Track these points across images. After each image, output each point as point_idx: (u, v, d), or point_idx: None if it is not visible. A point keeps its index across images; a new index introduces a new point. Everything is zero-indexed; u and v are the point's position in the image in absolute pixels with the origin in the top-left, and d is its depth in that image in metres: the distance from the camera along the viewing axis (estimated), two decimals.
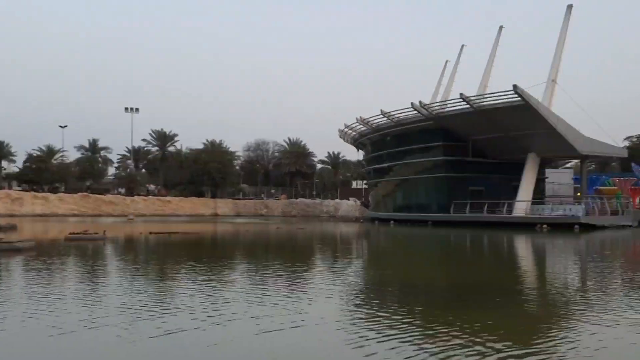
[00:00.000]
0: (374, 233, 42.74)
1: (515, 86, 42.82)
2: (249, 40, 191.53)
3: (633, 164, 60.11)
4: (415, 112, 50.88)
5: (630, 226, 44.96)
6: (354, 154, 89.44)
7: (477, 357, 6.98)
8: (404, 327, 8.63)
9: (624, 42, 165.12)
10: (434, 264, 21.11)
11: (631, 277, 16.19)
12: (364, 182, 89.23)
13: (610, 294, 12.74)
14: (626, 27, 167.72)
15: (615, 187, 54.28)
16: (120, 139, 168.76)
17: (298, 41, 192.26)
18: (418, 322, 9.17)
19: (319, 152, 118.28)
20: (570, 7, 53.62)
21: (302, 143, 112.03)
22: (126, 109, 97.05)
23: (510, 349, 7.36)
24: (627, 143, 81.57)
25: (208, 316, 9.29)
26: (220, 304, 10.43)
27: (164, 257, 21.11)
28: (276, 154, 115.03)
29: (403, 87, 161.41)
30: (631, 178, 55.01)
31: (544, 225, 42.33)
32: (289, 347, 7.59)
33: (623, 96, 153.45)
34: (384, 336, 8.00)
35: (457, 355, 7.09)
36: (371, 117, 57.18)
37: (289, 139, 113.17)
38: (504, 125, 46.75)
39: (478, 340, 7.85)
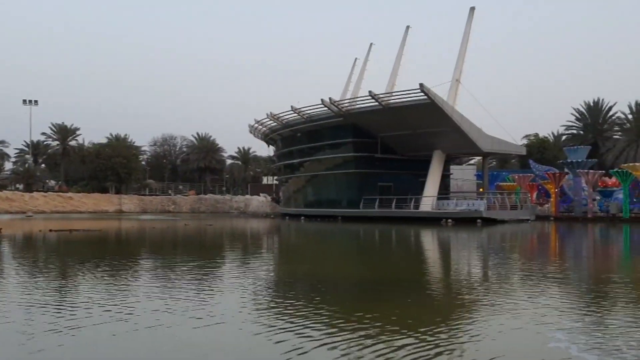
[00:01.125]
0: (285, 229, 42.61)
1: (421, 85, 43.90)
2: (152, 31, 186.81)
3: (531, 161, 63.24)
4: (326, 108, 51.22)
5: (528, 220, 47.18)
6: (264, 150, 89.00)
7: (379, 347, 7.06)
8: (308, 323, 8.55)
9: (525, 44, 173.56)
10: (343, 258, 21.16)
11: (527, 268, 16.89)
12: (275, 177, 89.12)
13: (508, 284, 13.23)
14: (526, 30, 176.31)
15: (515, 183, 56.87)
16: (18, 133, 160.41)
17: (208, 34, 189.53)
18: (327, 315, 9.13)
19: (229, 147, 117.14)
20: (472, 9, 55.70)
21: (212, 138, 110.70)
22: (24, 101, 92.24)
23: (409, 338, 7.47)
24: (525, 141, 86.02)
25: (114, 313, 8.84)
26: (126, 300, 9.98)
27: (65, 255, 20.09)
28: (184, 149, 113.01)
29: (315, 83, 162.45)
30: (529, 174, 57.76)
31: (449, 220, 43.68)
32: (191, 339, 7.39)
33: (522, 96, 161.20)
34: (285, 331, 7.92)
35: (360, 346, 7.12)
36: (281, 113, 57.11)
37: (198, 134, 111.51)
38: (411, 123, 47.85)
39: (383, 330, 7.92)
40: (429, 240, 30.59)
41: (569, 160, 51.91)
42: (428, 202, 48.55)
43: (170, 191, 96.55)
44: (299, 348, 6.97)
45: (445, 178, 55.81)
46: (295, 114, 54.87)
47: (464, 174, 70.30)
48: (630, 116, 78.86)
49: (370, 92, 47.57)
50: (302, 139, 58.14)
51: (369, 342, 7.28)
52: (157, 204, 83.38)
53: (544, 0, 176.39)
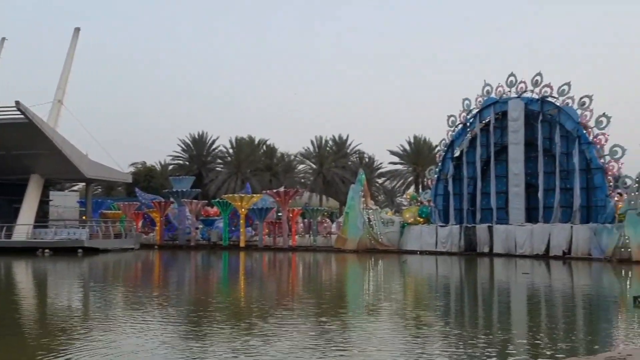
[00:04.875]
0: None
1: (17, 102, 39.94)
2: None
3: (137, 189, 63.13)
4: None
5: (132, 248, 46.70)
6: None
7: None
8: None
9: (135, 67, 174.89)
10: None
11: (126, 297, 16.50)
12: None
13: (107, 316, 12.79)
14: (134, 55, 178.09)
15: (120, 211, 55.81)
16: None
17: None
18: None
19: None
20: (77, 30, 53.49)
21: None
22: None
23: None
24: (132, 169, 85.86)
25: None
26: None
27: None
28: None
29: None
30: (135, 202, 57.39)
31: (46, 250, 40.45)
32: None
33: (131, 123, 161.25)
34: None
35: None
36: None
37: None
38: (5, 143, 43.08)
39: None
40: (21, 273, 27.73)
41: (174, 190, 53.28)
42: (23, 230, 44.18)
43: None
44: None
45: (43, 204, 51.82)
46: None
47: (66, 201, 66.69)
48: (231, 150, 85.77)
49: None
50: None
51: None
52: None
53: (184, 25, 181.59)
